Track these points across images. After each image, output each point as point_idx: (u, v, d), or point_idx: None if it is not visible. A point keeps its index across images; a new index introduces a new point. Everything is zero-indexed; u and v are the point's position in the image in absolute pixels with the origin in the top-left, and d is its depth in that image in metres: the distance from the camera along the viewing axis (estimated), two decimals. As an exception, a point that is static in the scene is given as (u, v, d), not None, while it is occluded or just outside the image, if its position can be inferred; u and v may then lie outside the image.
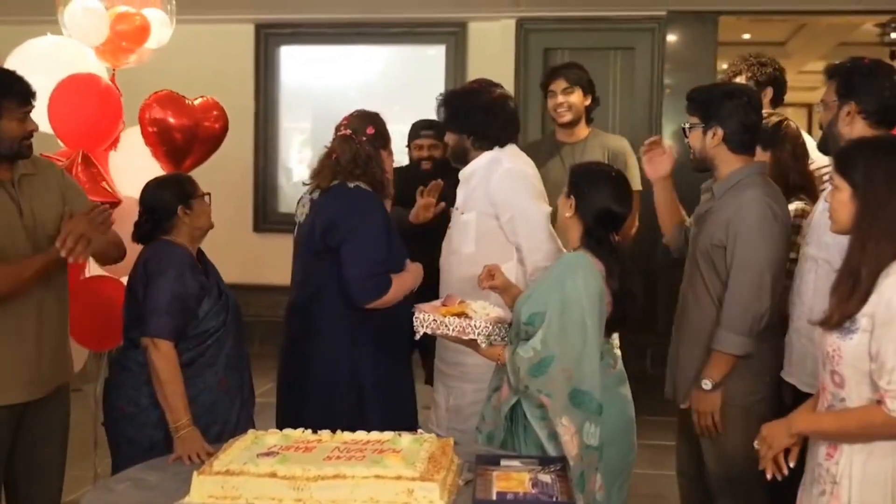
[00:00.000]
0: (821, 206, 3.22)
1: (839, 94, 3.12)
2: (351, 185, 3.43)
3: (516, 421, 3.02)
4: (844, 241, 2.59)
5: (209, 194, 3.38)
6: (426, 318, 3.08)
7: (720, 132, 3.29)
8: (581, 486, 2.79)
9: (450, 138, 3.76)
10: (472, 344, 3.08)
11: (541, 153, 4.53)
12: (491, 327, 3.04)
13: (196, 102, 4.23)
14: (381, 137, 3.50)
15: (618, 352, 3.20)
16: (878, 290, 2.37)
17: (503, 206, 3.64)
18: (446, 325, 3.06)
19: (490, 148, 3.72)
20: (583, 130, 4.66)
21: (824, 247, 3.08)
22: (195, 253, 3.33)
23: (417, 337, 3.13)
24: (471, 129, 3.71)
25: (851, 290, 2.42)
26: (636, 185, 4.46)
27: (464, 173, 3.77)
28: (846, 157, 2.54)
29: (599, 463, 2.88)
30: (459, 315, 3.08)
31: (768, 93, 4.36)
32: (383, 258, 3.38)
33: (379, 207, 3.44)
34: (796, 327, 3.22)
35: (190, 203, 3.29)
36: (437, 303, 3.26)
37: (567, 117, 4.58)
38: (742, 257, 3.20)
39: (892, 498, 2.43)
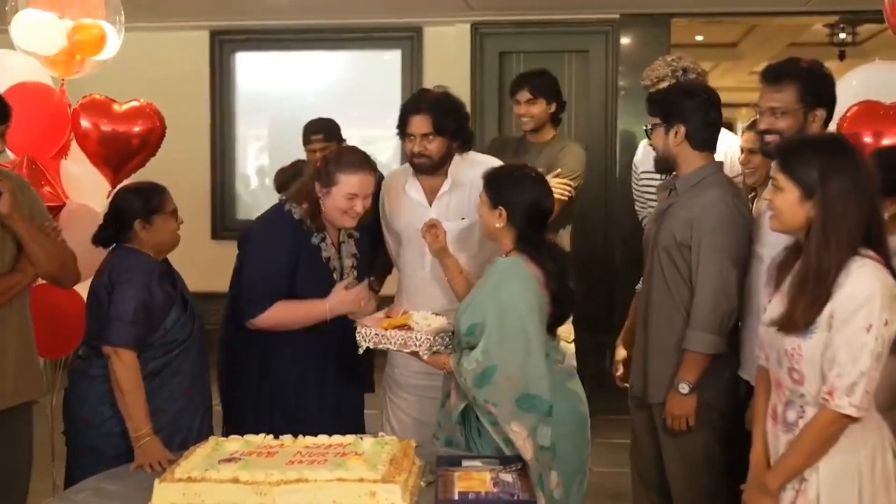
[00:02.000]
0: (762, 205, 3.24)
1: (803, 101, 3.11)
2: (286, 207, 3.43)
3: (469, 425, 3.06)
4: (786, 239, 2.65)
5: (175, 210, 3.33)
6: (368, 333, 3.12)
7: (682, 130, 3.33)
8: (541, 486, 2.82)
9: (437, 144, 3.60)
10: (415, 355, 3.11)
11: (508, 150, 4.67)
12: (432, 339, 3.07)
13: (126, 107, 4.22)
14: (323, 172, 3.39)
15: (566, 346, 3.24)
16: (840, 289, 2.41)
17: None
18: (388, 339, 3.10)
19: (465, 151, 3.72)
20: (548, 133, 4.74)
21: (769, 245, 3.11)
22: (160, 262, 3.30)
23: (360, 351, 3.16)
24: (462, 135, 3.67)
25: (818, 292, 2.44)
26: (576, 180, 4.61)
27: (457, 182, 3.69)
28: (793, 158, 2.53)
29: (554, 461, 2.90)
30: (401, 327, 3.12)
31: None
32: (263, 281, 3.34)
33: (280, 237, 3.38)
34: (749, 324, 3.26)
35: (151, 218, 3.24)
36: (380, 314, 3.29)
37: (529, 126, 4.70)
38: (708, 257, 3.24)
39: (861, 492, 2.46)
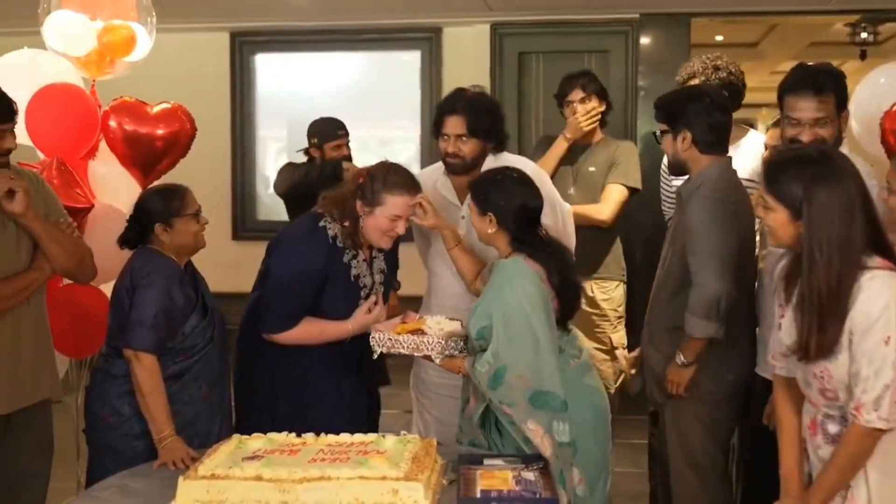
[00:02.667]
0: None
1: (838, 107, 3.10)
2: (321, 223, 3.36)
3: (489, 428, 3.06)
4: None
5: (199, 211, 3.32)
6: (382, 338, 3.14)
7: (688, 135, 3.35)
8: (563, 483, 2.83)
9: (471, 145, 3.57)
10: (428, 358, 3.14)
11: (546, 148, 4.70)
12: (444, 342, 3.08)
13: (157, 109, 4.23)
14: (367, 190, 3.32)
15: (581, 342, 3.25)
16: (854, 306, 2.38)
17: (547, 203, 3.66)
18: (401, 343, 3.12)
19: (499, 152, 3.71)
20: (596, 135, 4.74)
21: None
22: (183, 265, 3.31)
23: (375, 356, 3.18)
24: (496, 136, 3.66)
25: (829, 317, 2.40)
26: (637, 184, 4.66)
27: None
28: (777, 178, 2.50)
29: (575, 457, 2.90)
30: (415, 332, 3.14)
31: None
32: (289, 300, 3.31)
33: (314, 257, 3.32)
34: (767, 324, 3.24)
35: (171, 221, 3.24)
36: (396, 320, 3.31)
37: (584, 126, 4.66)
38: (694, 246, 3.28)
39: None
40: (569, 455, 2.89)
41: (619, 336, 4.76)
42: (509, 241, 3.10)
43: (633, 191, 4.66)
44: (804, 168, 2.46)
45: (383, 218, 3.28)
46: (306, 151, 5.21)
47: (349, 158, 5.04)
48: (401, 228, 3.32)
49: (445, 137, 3.58)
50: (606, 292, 4.75)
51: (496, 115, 3.66)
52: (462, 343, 3.12)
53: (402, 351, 3.14)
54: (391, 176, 3.31)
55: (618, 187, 4.62)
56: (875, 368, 2.36)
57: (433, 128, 3.66)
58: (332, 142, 5.06)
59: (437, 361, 3.10)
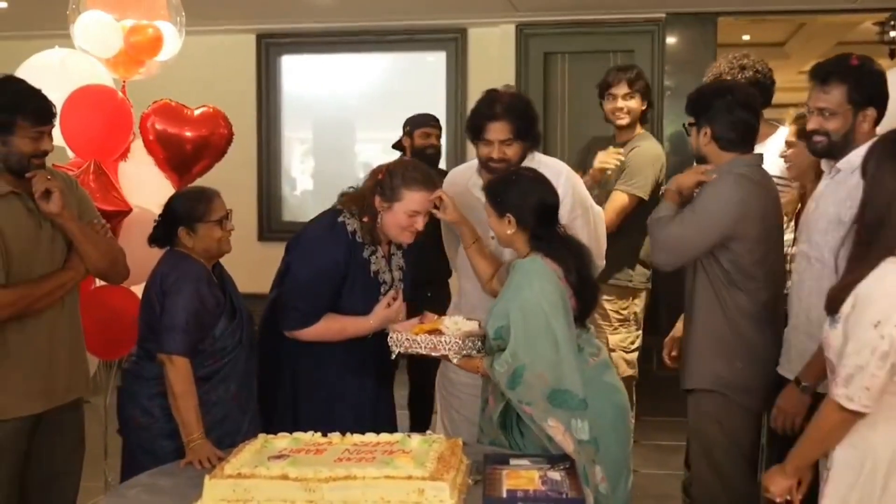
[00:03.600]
0: (811, 205, 3.24)
1: (852, 101, 3.06)
2: (340, 218, 3.39)
3: (510, 428, 3.05)
4: (833, 240, 2.76)
5: (228, 216, 3.31)
6: (399, 338, 3.14)
7: (709, 131, 3.36)
8: (586, 480, 2.82)
9: (515, 149, 3.54)
10: (446, 358, 3.13)
11: (597, 148, 4.64)
12: (461, 342, 3.08)
13: (198, 112, 4.25)
14: (386, 186, 3.33)
15: (597, 340, 3.24)
16: (865, 279, 2.43)
17: (579, 206, 3.66)
18: (418, 343, 3.11)
19: (533, 151, 3.67)
20: (634, 131, 4.68)
21: (815, 246, 3.13)
22: (211, 266, 3.33)
23: (393, 356, 3.19)
24: (536, 136, 3.65)
25: (847, 279, 2.48)
26: (641, 192, 4.54)
27: None
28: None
29: (597, 455, 2.89)
30: (432, 332, 3.14)
31: None
32: (310, 297, 3.34)
33: (334, 255, 3.34)
34: (794, 325, 3.27)
35: (194, 226, 3.24)
36: (414, 320, 3.31)
37: (625, 121, 4.61)
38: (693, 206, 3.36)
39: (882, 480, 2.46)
40: (591, 452, 2.89)
41: (618, 338, 4.67)
42: (528, 239, 3.10)
43: (638, 199, 4.51)
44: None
45: (402, 214, 3.30)
46: (399, 142, 5.42)
47: (438, 151, 5.37)
48: (419, 224, 3.33)
49: (488, 143, 3.54)
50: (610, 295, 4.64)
51: (534, 115, 3.65)
52: (480, 343, 3.12)
53: (419, 351, 3.13)
54: (409, 172, 3.33)
55: (619, 194, 4.50)
56: (856, 347, 2.39)
57: (470, 133, 3.61)
58: (421, 129, 5.28)
59: (455, 361, 3.10)
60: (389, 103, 7.50)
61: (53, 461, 3.29)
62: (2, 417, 3.09)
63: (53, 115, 3.14)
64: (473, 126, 3.58)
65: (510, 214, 3.09)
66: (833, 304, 2.50)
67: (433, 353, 3.11)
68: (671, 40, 7.23)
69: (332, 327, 3.36)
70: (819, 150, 3.18)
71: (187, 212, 3.26)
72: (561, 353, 2.92)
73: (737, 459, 3.41)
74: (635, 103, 4.59)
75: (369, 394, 3.49)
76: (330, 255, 3.34)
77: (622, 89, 4.58)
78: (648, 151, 4.60)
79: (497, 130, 3.51)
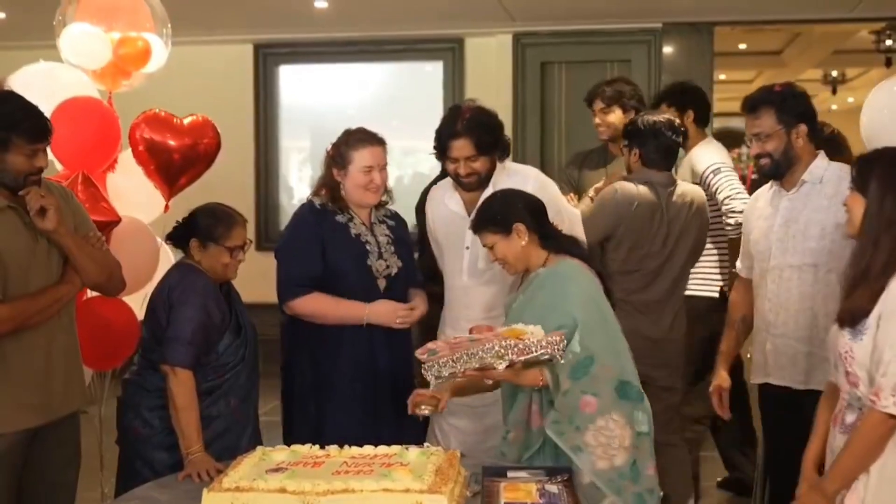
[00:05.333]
0: (775, 221, 3.36)
1: (781, 121, 3.30)
2: (305, 201, 3.65)
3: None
4: (831, 243, 2.95)
5: (244, 247, 3.32)
6: (443, 362, 2.75)
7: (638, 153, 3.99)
8: (635, 476, 2.82)
9: (482, 163, 3.57)
10: (501, 374, 2.82)
11: (590, 160, 4.68)
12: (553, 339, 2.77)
13: (186, 121, 4.25)
14: (336, 156, 3.55)
15: None
16: (889, 287, 2.43)
17: (552, 208, 3.66)
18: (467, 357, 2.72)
19: (503, 160, 3.71)
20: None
21: (810, 254, 3.25)
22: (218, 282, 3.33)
23: (433, 385, 2.90)
24: (502, 147, 3.67)
25: (860, 287, 2.49)
26: None
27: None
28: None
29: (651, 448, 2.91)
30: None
31: (690, 114, 4.62)
32: (295, 265, 3.51)
33: (302, 220, 3.58)
34: (781, 332, 3.33)
35: (207, 244, 3.25)
36: (461, 338, 2.98)
37: (605, 135, 4.62)
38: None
39: None
40: (647, 444, 2.88)
41: None
42: (540, 243, 3.08)
43: None
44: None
45: (357, 173, 3.51)
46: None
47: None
48: (377, 179, 3.53)
49: (454, 160, 3.60)
50: None
51: (497, 127, 3.67)
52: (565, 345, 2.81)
53: (467, 366, 2.74)
54: (353, 135, 3.56)
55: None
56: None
57: (436, 151, 3.66)
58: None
59: (501, 367, 2.72)
60: (387, 112, 7.53)
61: (49, 473, 3.27)
62: None
63: (49, 132, 3.12)
64: (438, 145, 3.63)
65: (517, 224, 3.07)
66: (853, 316, 2.49)
67: (524, 356, 2.72)
68: (668, 49, 7.24)
69: (325, 302, 3.48)
70: (767, 171, 3.39)
71: (205, 228, 3.27)
72: (619, 342, 2.95)
73: None
74: (614, 117, 4.56)
75: (384, 402, 3.54)
76: (300, 226, 3.57)
77: (598, 105, 4.59)
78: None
79: (460, 148, 3.55)
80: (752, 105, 3.37)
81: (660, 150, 3.93)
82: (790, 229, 3.31)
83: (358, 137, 3.54)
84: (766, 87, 3.46)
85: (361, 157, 3.50)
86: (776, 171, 3.35)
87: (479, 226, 3.16)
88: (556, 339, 2.72)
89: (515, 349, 2.69)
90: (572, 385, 2.86)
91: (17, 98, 3.12)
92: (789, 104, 3.32)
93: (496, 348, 2.69)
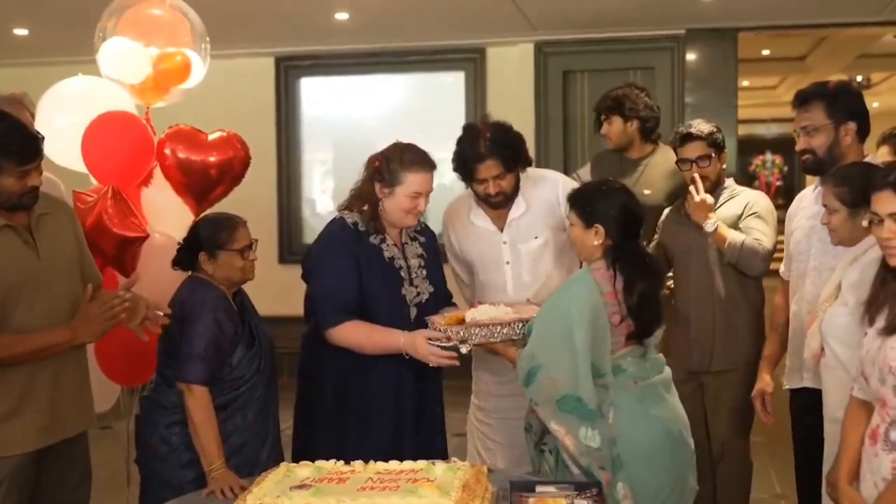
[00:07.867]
0: (806, 224, 3.37)
1: (832, 116, 3.30)
2: (338, 216, 3.42)
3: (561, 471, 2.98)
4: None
5: (252, 246, 3.29)
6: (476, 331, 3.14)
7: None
8: (612, 495, 2.77)
9: (509, 180, 3.56)
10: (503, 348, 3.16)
11: (612, 163, 4.61)
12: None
13: (213, 137, 4.23)
14: (384, 172, 3.34)
15: (651, 367, 3.09)
16: None
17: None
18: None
19: (524, 170, 3.67)
20: (645, 148, 4.61)
21: (832, 254, 3.19)
22: (232, 294, 3.31)
23: (465, 350, 3.16)
24: (525, 160, 3.64)
25: None
26: None
27: (527, 203, 3.68)
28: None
29: (619, 472, 2.82)
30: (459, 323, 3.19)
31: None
32: (333, 291, 3.31)
33: (337, 240, 3.35)
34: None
35: (216, 253, 3.23)
36: (455, 312, 3.31)
37: (610, 144, 4.61)
38: None
39: None
40: (603, 457, 2.82)
41: None
42: (607, 249, 3.02)
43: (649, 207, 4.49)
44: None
45: (404, 197, 3.31)
46: None
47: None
48: (422, 205, 3.33)
49: (482, 181, 3.55)
50: None
51: (520, 141, 3.62)
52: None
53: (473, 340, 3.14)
54: (407, 154, 3.33)
55: None
56: None
57: (460, 175, 3.61)
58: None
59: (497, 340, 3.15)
60: (409, 124, 7.51)
61: (62, 493, 3.24)
62: (7, 453, 3.05)
63: (38, 150, 3.07)
64: (463, 169, 3.58)
65: (599, 225, 3.02)
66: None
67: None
68: (691, 56, 7.20)
69: (363, 330, 3.29)
70: (808, 167, 3.39)
71: (210, 238, 3.24)
72: (578, 360, 2.86)
73: None
74: (616, 126, 4.55)
75: (410, 418, 3.41)
76: (336, 248, 3.34)
77: (602, 116, 4.59)
78: (660, 165, 4.56)
79: (487, 169, 3.52)
80: (803, 98, 3.37)
81: None
82: (815, 232, 3.26)
83: (412, 159, 3.31)
84: (819, 82, 3.46)
85: (413, 182, 3.29)
86: (818, 167, 3.34)
87: (572, 199, 3.16)
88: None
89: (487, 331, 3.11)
90: (525, 391, 2.95)
91: (6, 119, 3.05)
92: (841, 100, 3.32)
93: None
